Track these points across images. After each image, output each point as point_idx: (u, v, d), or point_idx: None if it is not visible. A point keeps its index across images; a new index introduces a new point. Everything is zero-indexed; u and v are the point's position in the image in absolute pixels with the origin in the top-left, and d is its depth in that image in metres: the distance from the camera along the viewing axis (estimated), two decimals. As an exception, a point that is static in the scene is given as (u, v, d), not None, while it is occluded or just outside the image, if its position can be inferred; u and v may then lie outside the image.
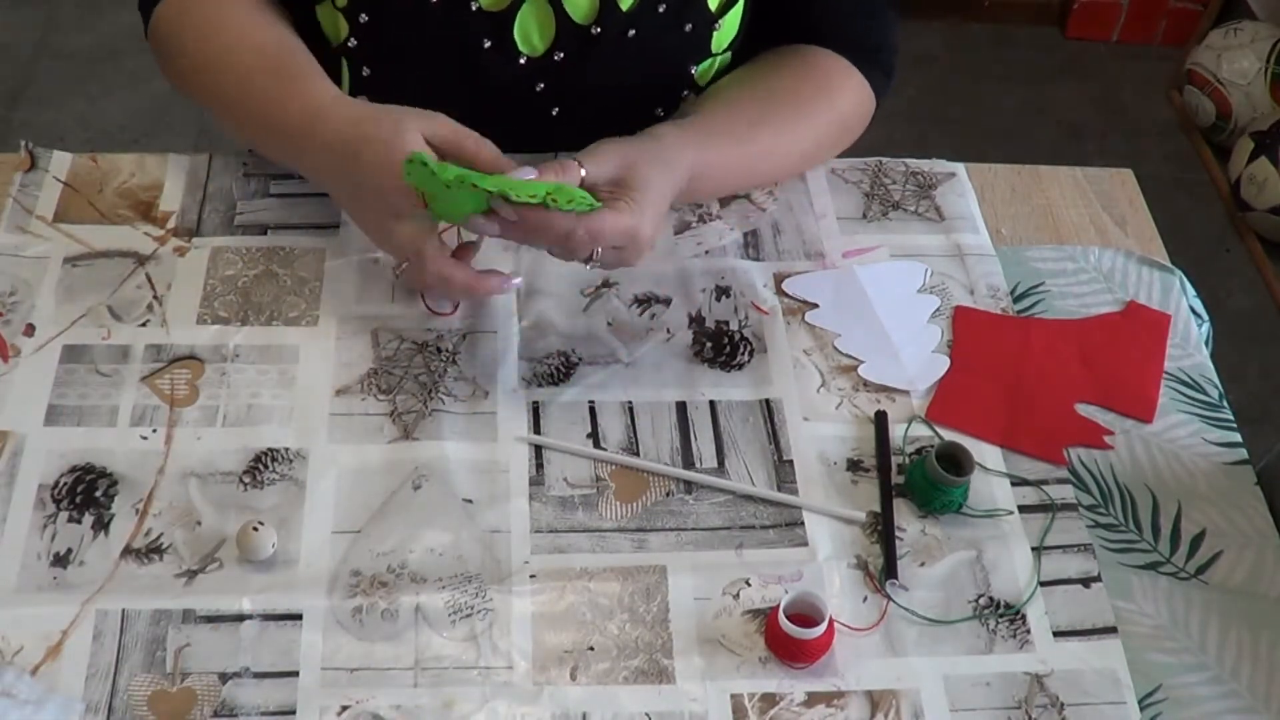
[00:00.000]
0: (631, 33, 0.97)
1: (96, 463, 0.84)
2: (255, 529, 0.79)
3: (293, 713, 0.74)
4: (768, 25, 1.07)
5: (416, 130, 0.84)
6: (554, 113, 1.03)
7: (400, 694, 0.75)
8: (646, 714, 0.75)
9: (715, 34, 1.00)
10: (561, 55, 0.98)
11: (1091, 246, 1.04)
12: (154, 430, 0.86)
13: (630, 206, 0.84)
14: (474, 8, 0.95)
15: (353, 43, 0.98)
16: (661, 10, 0.97)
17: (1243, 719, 0.78)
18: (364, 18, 0.96)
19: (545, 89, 1.01)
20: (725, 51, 1.03)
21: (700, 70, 1.03)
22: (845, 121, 1.04)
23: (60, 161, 1.02)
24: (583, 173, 0.84)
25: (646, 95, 1.04)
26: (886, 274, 1.00)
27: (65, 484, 0.83)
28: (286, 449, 0.85)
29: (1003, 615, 0.81)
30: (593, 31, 0.96)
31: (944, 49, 2.81)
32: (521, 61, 0.98)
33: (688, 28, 0.99)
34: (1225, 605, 0.83)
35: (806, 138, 1.01)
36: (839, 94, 1.02)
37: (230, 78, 0.93)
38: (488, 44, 0.97)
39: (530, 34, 0.97)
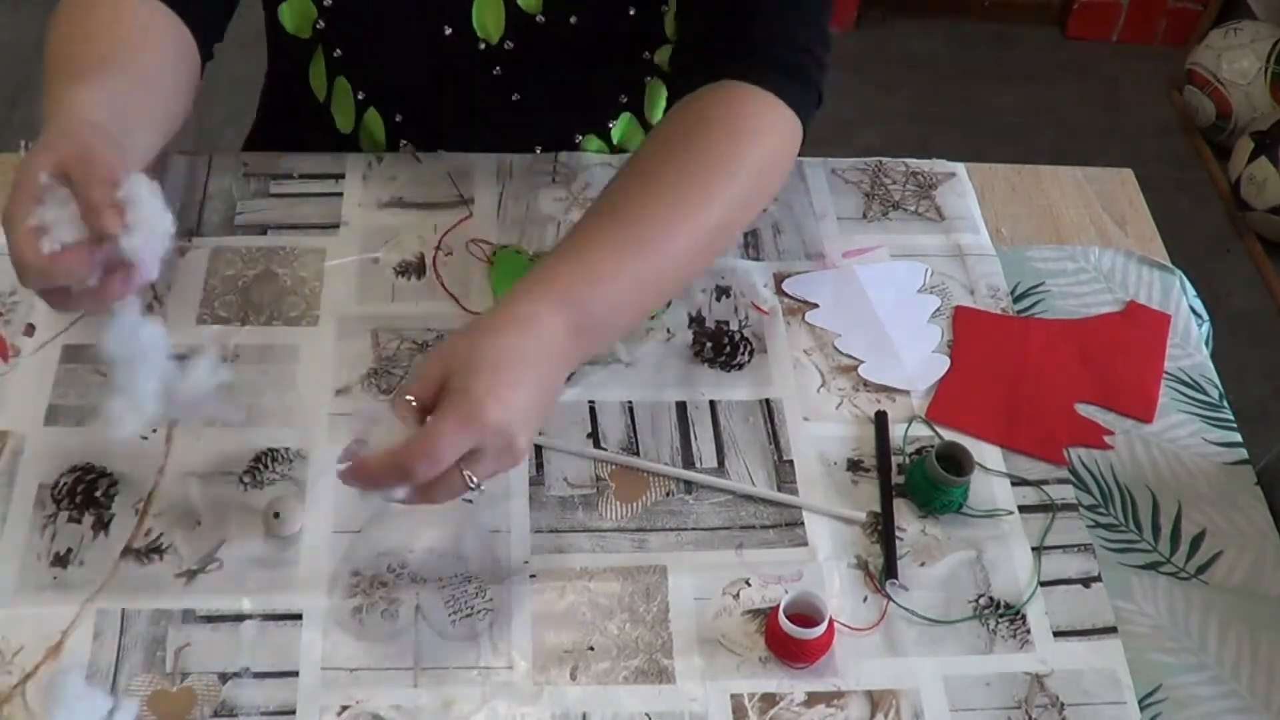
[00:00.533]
0: (573, 19, 0.97)
1: (96, 463, 0.84)
2: (275, 516, 0.80)
3: (293, 713, 0.73)
4: (683, 37, 0.97)
5: (39, 164, 0.69)
6: (515, 98, 1.03)
7: (400, 694, 0.75)
8: (646, 714, 0.75)
9: (666, 18, 1.00)
10: (511, 44, 0.99)
11: (1091, 246, 1.04)
12: (154, 430, 0.86)
13: (454, 399, 0.69)
14: None
15: (321, 25, 0.99)
16: None
17: (1243, 719, 0.78)
18: (328, 1, 0.97)
19: (503, 74, 1.01)
20: None
21: (659, 55, 1.03)
22: (765, 169, 0.87)
23: (60, 161, 1.02)
24: (411, 400, 0.71)
25: (606, 82, 1.05)
26: (886, 274, 1.00)
27: (65, 484, 0.83)
28: (286, 449, 0.85)
29: (1003, 615, 0.81)
30: (538, 20, 0.97)
31: (944, 49, 2.81)
32: (481, 48, 0.99)
33: (632, 12, 0.98)
34: (1225, 605, 0.83)
35: (718, 211, 0.83)
36: (750, 143, 0.85)
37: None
38: (449, 30, 0.98)
39: (485, 22, 0.98)
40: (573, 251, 0.79)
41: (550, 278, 0.76)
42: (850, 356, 0.94)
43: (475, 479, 0.70)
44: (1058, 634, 0.80)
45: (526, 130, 1.06)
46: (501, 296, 0.79)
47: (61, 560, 0.79)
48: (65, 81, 0.77)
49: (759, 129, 0.86)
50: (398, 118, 1.05)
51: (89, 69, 0.79)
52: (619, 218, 0.81)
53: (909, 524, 0.85)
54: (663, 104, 1.08)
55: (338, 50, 1.01)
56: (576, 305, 0.75)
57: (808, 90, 0.89)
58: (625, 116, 1.07)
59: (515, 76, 1.02)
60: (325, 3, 0.97)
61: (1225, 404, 0.95)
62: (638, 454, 0.88)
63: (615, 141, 1.09)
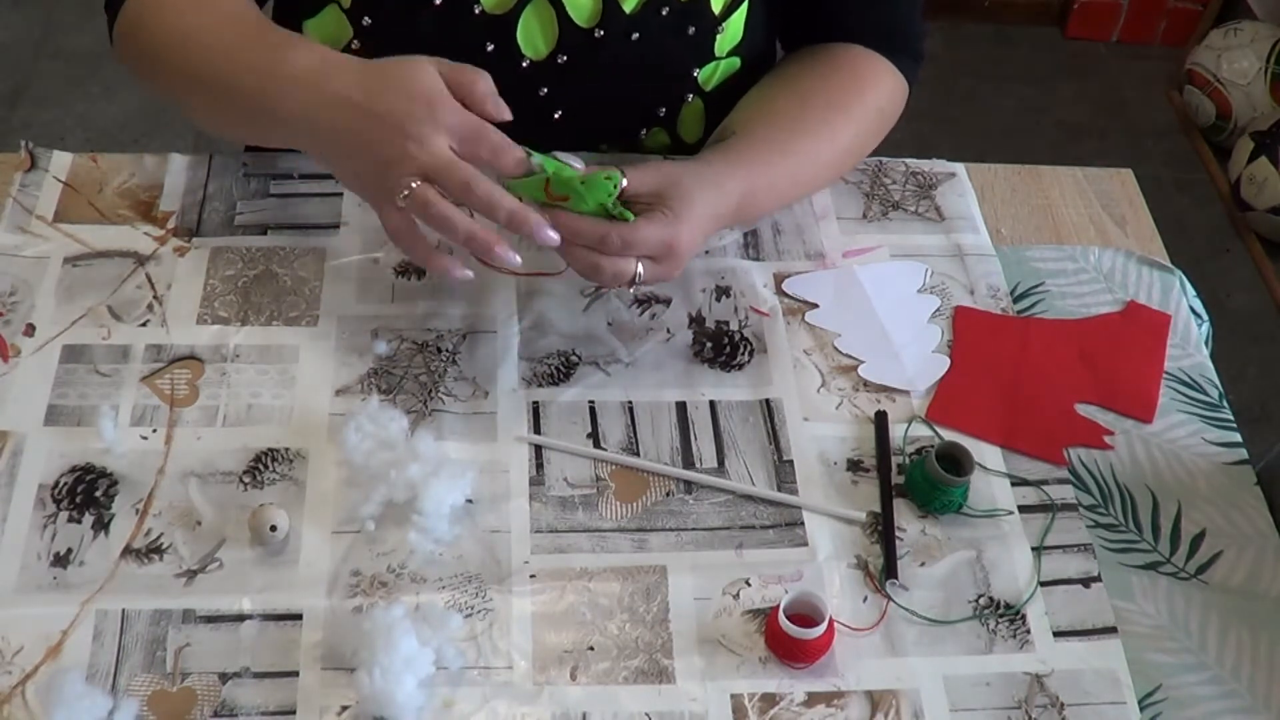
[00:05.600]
0: (635, 36, 0.97)
1: (96, 463, 0.84)
2: (272, 529, 0.80)
3: (293, 713, 0.73)
4: (790, 25, 1.07)
5: (429, 63, 0.83)
6: (557, 115, 1.03)
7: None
8: (646, 714, 0.75)
9: (719, 37, 1.00)
10: (565, 58, 0.98)
11: (1091, 246, 1.04)
12: (154, 430, 0.86)
13: (666, 217, 0.84)
14: (476, 11, 0.95)
15: (356, 45, 0.98)
16: (665, 13, 0.97)
17: (1243, 719, 0.78)
18: (367, 20, 0.96)
19: (549, 93, 1.00)
20: (730, 56, 1.03)
21: (704, 74, 1.03)
22: (882, 113, 1.03)
23: (60, 161, 1.02)
24: (624, 181, 0.84)
25: (649, 98, 1.04)
26: (886, 274, 1.00)
27: (65, 484, 0.83)
28: (286, 449, 0.85)
29: (1003, 615, 0.81)
30: (596, 34, 0.96)
31: (944, 49, 2.81)
32: (524, 65, 0.98)
33: (691, 31, 0.99)
34: (1225, 605, 0.83)
35: (846, 135, 1.01)
36: (870, 87, 1.02)
37: (216, 53, 0.90)
38: (490, 47, 0.97)
39: (533, 37, 0.97)
40: (749, 141, 0.96)
41: (740, 159, 0.93)
42: (850, 356, 0.94)
43: (642, 275, 0.85)
44: (1058, 634, 0.80)
45: (556, 142, 1.05)
46: (704, 155, 0.94)
47: (61, 560, 0.79)
48: (285, 42, 0.89)
49: (879, 77, 1.03)
50: None
51: (282, 32, 0.91)
52: (779, 123, 0.98)
53: (909, 524, 0.85)
54: (695, 120, 1.07)
55: None
56: (749, 184, 0.92)
57: (913, 61, 1.06)
58: (657, 129, 1.07)
59: (560, 94, 1.01)
60: (363, 23, 0.96)
61: (1225, 404, 0.95)
62: (638, 454, 0.88)
63: (642, 147, 1.09)
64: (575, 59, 0.98)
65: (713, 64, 1.03)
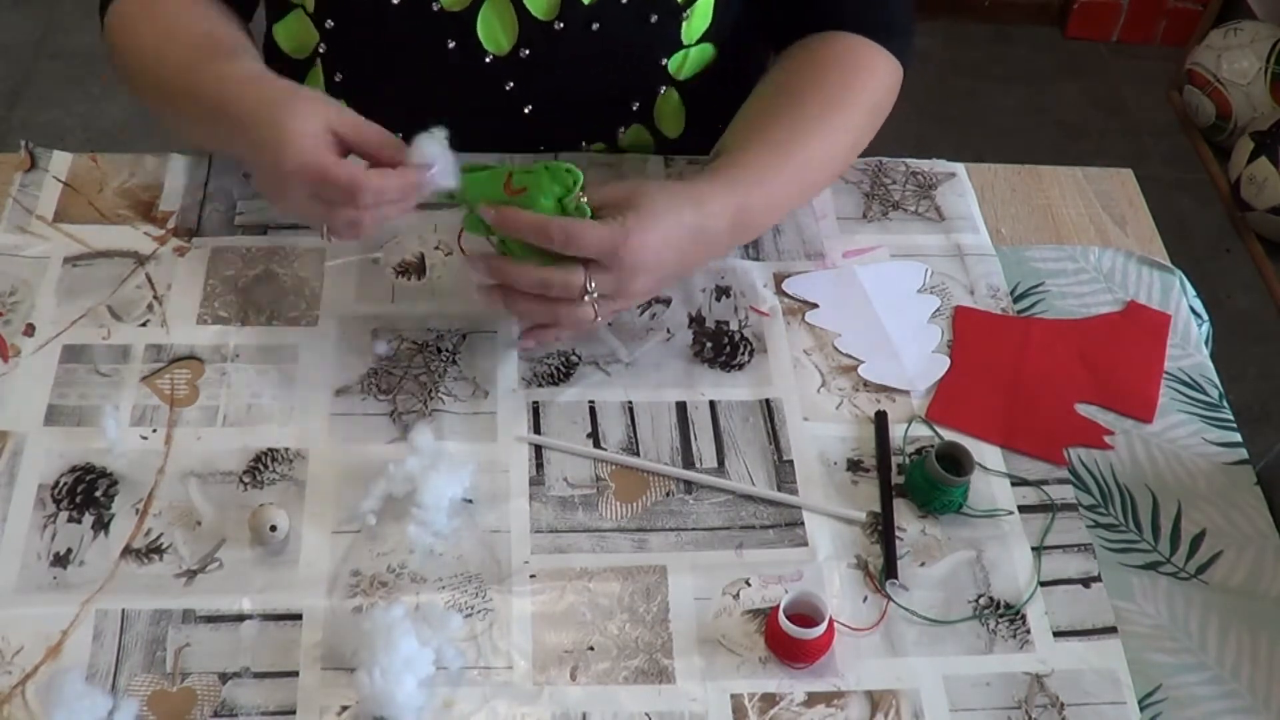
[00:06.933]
0: (595, 26, 0.97)
1: (96, 463, 0.84)
2: (272, 529, 0.80)
3: (293, 713, 0.73)
4: (774, 14, 1.06)
5: (314, 119, 0.81)
6: (527, 110, 1.02)
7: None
8: (646, 714, 0.75)
9: (684, 25, 1.00)
10: (527, 52, 0.98)
11: (1091, 246, 1.04)
12: (154, 430, 0.86)
13: (619, 222, 0.82)
14: (435, 8, 0.95)
15: (323, 48, 0.98)
16: (625, 2, 0.96)
17: (1243, 719, 0.78)
18: (330, 24, 0.96)
19: (515, 87, 1.00)
20: (700, 43, 1.03)
21: (673, 63, 1.03)
22: (877, 106, 1.02)
23: (60, 161, 1.02)
24: (582, 178, 0.84)
25: (619, 91, 1.04)
26: (886, 274, 1.00)
27: (65, 484, 0.83)
28: (286, 449, 0.85)
29: (1003, 615, 0.81)
30: (555, 26, 0.96)
31: (943, 48, 2.81)
32: (488, 60, 0.98)
33: (653, 19, 0.98)
34: (1225, 605, 0.83)
35: (845, 135, 0.99)
36: (866, 79, 1.00)
37: (170, 68, 0.91)
38: (452, 44, 0.97)
39: (494, 32, 0.97)
40: (740, 156, 0.93)
41: (732, 177, 0.91)
42: (850, 356, 0.94)
43: (598, 307, 0.84)
44: (1058, 634, 0.80)
45: (534, 140, 1.05)
46: (692, 175, 0.92)
47: (61, 560, 0.79)
48: (217, 62, 0.88)
49: (873, 68, 1.01)
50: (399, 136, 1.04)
51: (227, 46, 0.90)
52: (773, 133, 0.95)
53: (909, 524, 0.85)
54: (674, 113, 1.07)
55: (339, 74, 1.00)
56: (743, 200, 0.90)
57: (905, 41, 1.03)
58: (635, 126, 1.07)
59: (527, 87, 1.01)
60: (326, 25, 0.96)
61: (1225, 404, 0.95)
62: (638, 454, 0.88)
63: (622, 148, 1.09)
64: (537, 52, 0.98)
65: (682, 53, 1.02)
